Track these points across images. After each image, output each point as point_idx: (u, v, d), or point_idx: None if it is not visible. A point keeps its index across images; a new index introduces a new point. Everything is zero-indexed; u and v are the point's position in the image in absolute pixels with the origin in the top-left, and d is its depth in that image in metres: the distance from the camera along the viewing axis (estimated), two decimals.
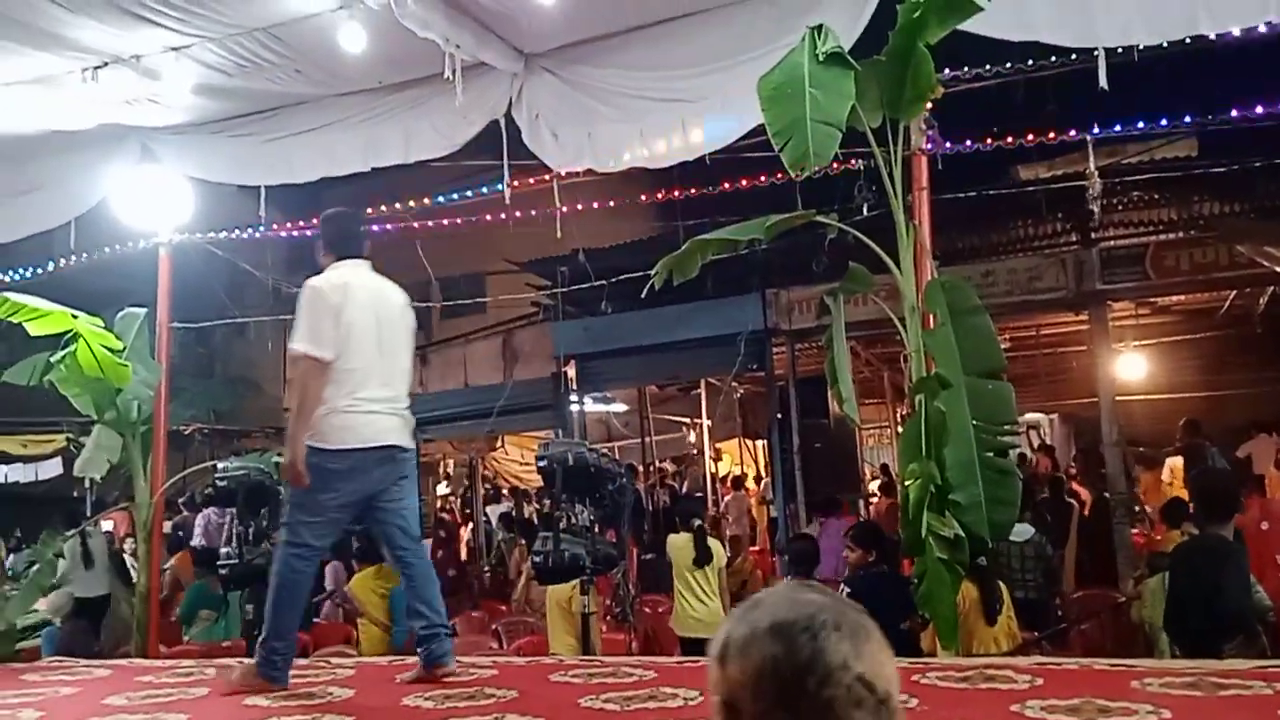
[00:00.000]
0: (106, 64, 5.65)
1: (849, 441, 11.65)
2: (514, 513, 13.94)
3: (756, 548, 12.88)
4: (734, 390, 14.31)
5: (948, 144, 5.47)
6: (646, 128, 5.87)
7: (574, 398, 11.82)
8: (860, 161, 5.67)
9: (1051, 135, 5.88)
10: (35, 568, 6.49)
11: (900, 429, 15.04)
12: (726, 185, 6.71)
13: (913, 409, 4.64)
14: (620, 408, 15.28)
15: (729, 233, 5.08)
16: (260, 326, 12.00)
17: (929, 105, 4.94)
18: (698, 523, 6.55)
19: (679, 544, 6.47)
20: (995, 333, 4.51)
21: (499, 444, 14.95)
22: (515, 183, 6.36)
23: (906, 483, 4.45)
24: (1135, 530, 9.78)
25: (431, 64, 5.68)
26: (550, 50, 6.01)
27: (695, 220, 8.57)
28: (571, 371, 11.62)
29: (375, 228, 7.35)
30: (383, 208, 7.27)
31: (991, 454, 4.21)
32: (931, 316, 4.64)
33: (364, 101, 6.43)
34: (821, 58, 4.30)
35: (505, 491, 15.07)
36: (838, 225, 5.07)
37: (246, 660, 4.36)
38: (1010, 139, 5.86)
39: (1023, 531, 6.37)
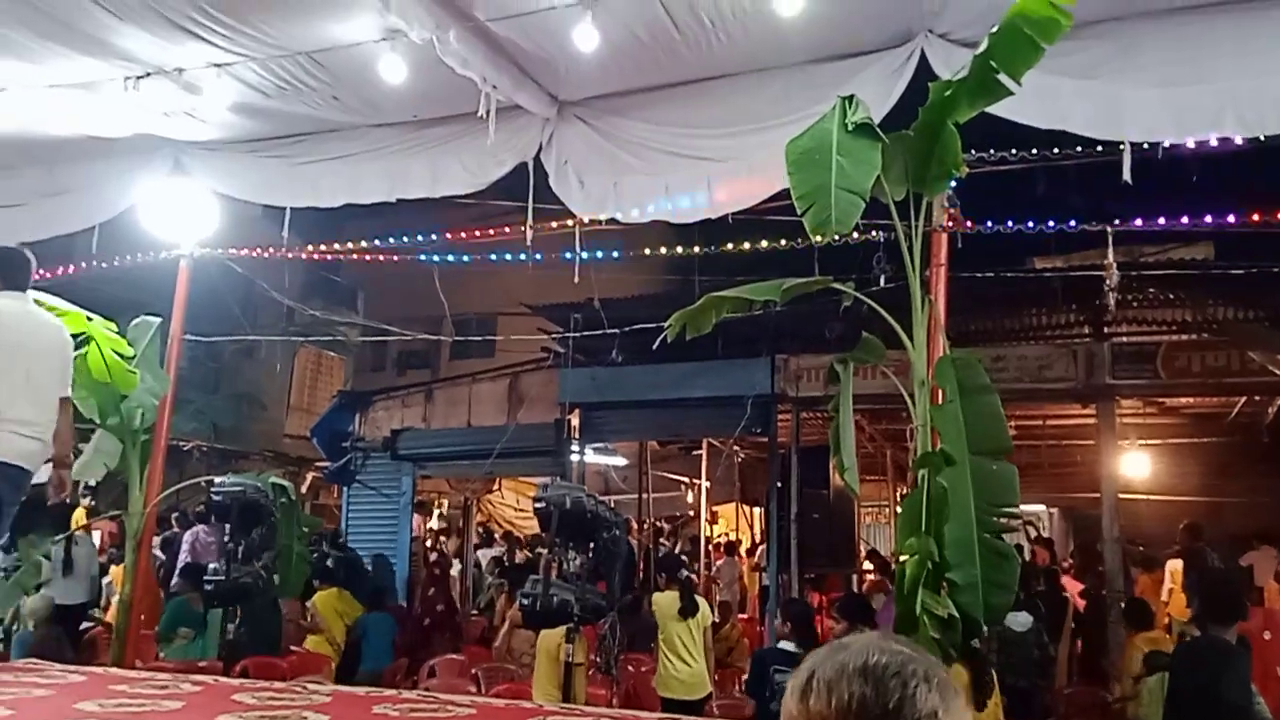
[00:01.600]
0: (149, 74, 5.76)
1: (847, 514, 11.55)
2: (505, 558, 13.83)
3: (745, 615, 12.73)
4: (735, 454, 14.25)
5: (968, 223, 5.50)
6: (672, 182, 5.93)
7: (575, 446, 11.77)
8: (880, 233, 5.72)
9: (1073, 224, 5.92)
10: (20, 569, 6.44)
11: (899, 508, 14.95)
12: (745, 245, 6.75)
13: (915, 483, 4.61)
14: (620, 461, 15.22)
15: (744, 292, 5.10)
16: (271, 347, 12.06)
17: (953, 183, 4.99)
18: (685, 574, 6.48)
19: (665, 600, 6.40)
20: (1003, 413, 4.49)
21: (495, 487, 14.87)
22: (539, 226, 6.40)
23: (903, 558, 4.41)
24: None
25: (465, 102, 5.77)
26: (584, 99, 6.11)
27: (711, 277, 8.61)
28: (575, 420, 11.59)
29: (394, 258, 7.41)
30: (404, 239, 7.35)
31: (991, 535, 4.16)
32: (941, 392, 4.63)
33: (395, 134, 6.53)
34: (850, 127, 4.36)
35: (498, 536, 14.95)
36: (854, 294, 5.09)
37: (221, 679, 4.30)
38: (1032, 224, 5.90)
39: (1023, 621, 6.28)
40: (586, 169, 6.12)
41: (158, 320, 6.98)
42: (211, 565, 6.14)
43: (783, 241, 6.40)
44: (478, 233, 7.09)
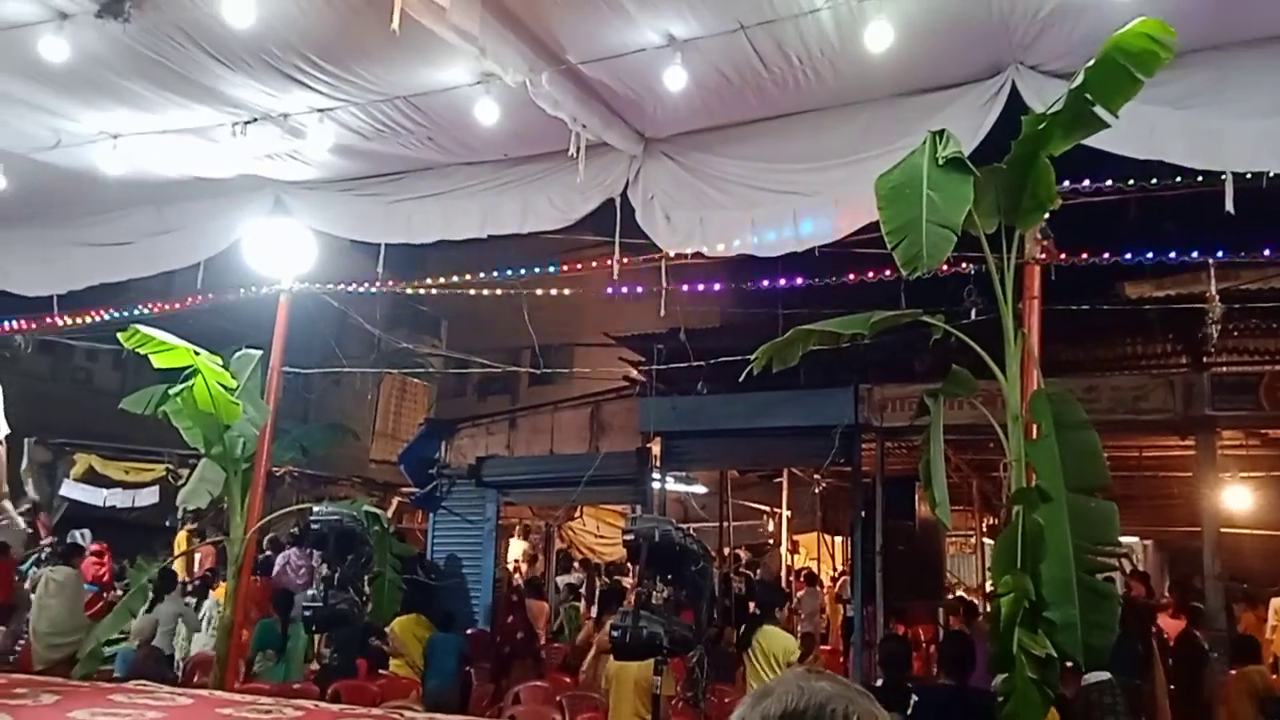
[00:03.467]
0: (256, 119, 6.03)
1: (934, 546, 11.36)
2: (584, 586, 13.89)
3: (828, 646, 12.57)
4: (816, 483, 14.13)
5: (1062, 255, 5.42)
6: (758, 217, 5.98)
7: (656, 475, 11.81)
8: (969, 265, 5.66)
9: (1173, 255, 5.79)
10: (130, 592, 6.71)
11: (987, 539, 14.65)
12: (832, 278, 6.75)
13: (1009, 520, 4.54)
14: (700, 489, 15.21)
15: (832, 325, 5.10)
16: (359, 375, 12.38)
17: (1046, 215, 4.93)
18: (755, 611, 6.42)
19: (770, 634, 6.33)
20: (1101, 449, 4.40)
21: (577, 513, 14.99)
22: (625, 260, 6.49)
23: (999, 595, 4.34)
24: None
25: (555, 141, 5.91)
26: (671, 135, 6.20)
27: (795, 309, 8.61)
28: (656, 448, 11.64)
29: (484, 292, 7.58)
30: (494, 273, 7.51)
31: (1089, 574, 4.09)
32: (1035, 427, 4.57)
33: (487, 172, 6.71)
34: (941, 161, 4.35)
35: (576, 563, 15.03)
36: (944, 327, 5.05)
37: (321, 704, 4.43)
38: (1130, 256, 5.78)
39: (1096, 675, 6.09)
40: (673, 204, 6.21)
41: (258, 353, 7.25)
42: (309, 592, 6.32)
43: (870, 274, 6.38)
44: (565, 268, 7.21)
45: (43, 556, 11.32)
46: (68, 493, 13.89)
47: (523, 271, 7.24)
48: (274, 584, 9.56)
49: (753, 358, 5.21)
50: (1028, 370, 4.84)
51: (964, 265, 5.70)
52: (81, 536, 12.53)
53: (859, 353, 9.92)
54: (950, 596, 12.70)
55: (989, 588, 12.82)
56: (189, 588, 10.58)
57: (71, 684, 5.68)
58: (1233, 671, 7.59)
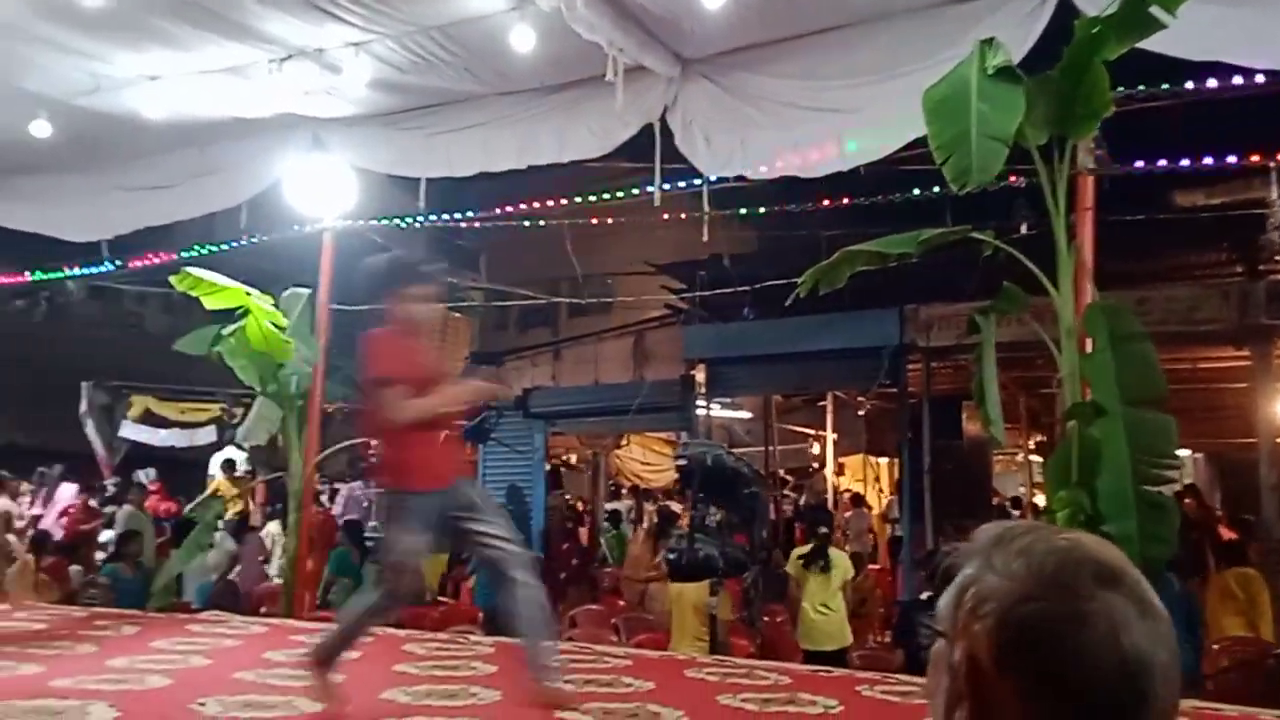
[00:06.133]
0: (291, 56, 6.00)
1: (981, 464, 11.35)
2: (633, 511, 14.09)
3: (876, 566, 12.68)
4: (861, 405, 14.12)
5: (1116, 164, 5.29)
6: (800, 137, 5.87)
7: (701, 402, 11.86)
8: (1020, 178, 5.54)
9: (1233, 159, 5.61)
10: (198, 527, 6.92)
11: (1035, 457, 14.59)
12: (879, 197, 6.63)
13: (1063, 435, 4.52)
14: (744, 415, 15.26)
15: (879, 245, 5.04)
16: None
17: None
18: (823, 530, 6.50)
19: (833, 554, 6.42)
20: (1157, 361, 4.34)
21: (625, 441, 15.14)
22: (666, 186, 6.43)
23: (1054, 510, 4.35)
24: None
25: (591, 67, 5.82)
26: (709, 56, 6.07)
27: (838, 231, 8.51)
28: (700, 375, 11.67)
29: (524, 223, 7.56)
30: (534, 204, 7.49)
31: (1147, 487, 4.07)
32: (1090, 341, 4.51)
33: (523, 101, 6.63)
34: (991, 71, 4.24)
35: (625, 490, 15.23)
36: (994, 243, 4.96)
37: (387, 629, 4.55)
38: (1187, 162, 5.61)
39: None
40: (712, 127, 6.10)
41: (307, 291, 7.33)
42: (372, 523, 6.49)
43: (916, 191, 6.26)
44: (606, 195, 7.16)
45: (109, 495, 11.73)
46: (127, 434, 14.28)
47: (563, 201, 7.20)
48: (343, 514, 9.81)
49: (799, 281, 5.18)
50: (1081, 284, 4.76)
51: (1013, 179, 5.58)
52: (145, 475, 12.94)
53: (903, 273, 9.78)
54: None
55: (1040, 502, 12.84)
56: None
57: (149, 615, 5.92)
58: None
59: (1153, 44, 4.26)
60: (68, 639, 4.76)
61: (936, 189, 5.85)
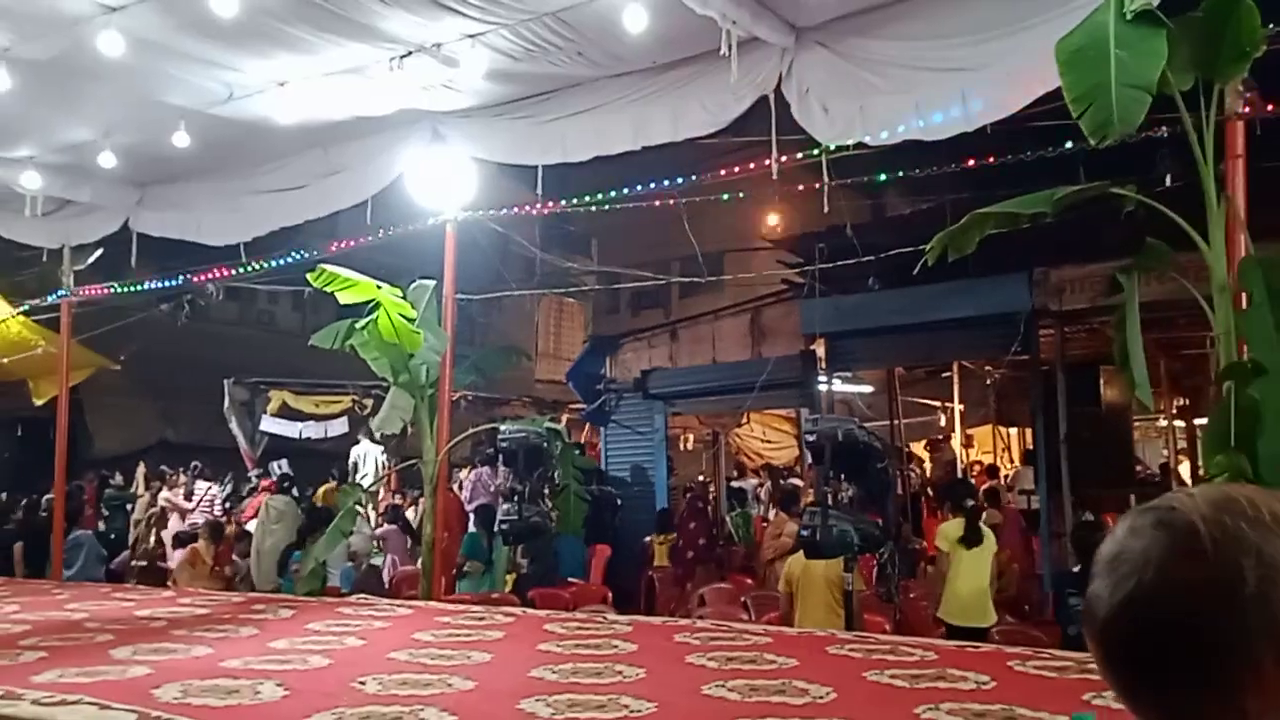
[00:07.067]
0: (411, 53, 6.14)
1: (1121, 432, 10.85)
2: (756, 489, 14.03)
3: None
4: (989, 374, 13.69)
5: (1269, 106, 4.97)
6: (922, 99, 5.69)
7: (822, 377, 11.68)
8: (1161, 127, 5.25)
9: None
10: (341, 515, 7.20)
11: (1178, 422, 13.88)
12: (1008, 156, 6.38)
13: (1219, 397, 4.29)
14: (866, 389, 14.97)
15: (1012, 205, 4.87)
16: (523, 299, 12.71)
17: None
18: (970, 503, 6.35)
19: (950, 528, 6.30)
20: None
21: (745, 420, 15.06)
22: (784, 158, 6.33)
23: (1211, 476, 4.14)
24: None
25: (702, 42, 5.78)
26: (822, 23, 5.95)
27: (959, 195, 8.23)
28: (820, 350, 11.49)
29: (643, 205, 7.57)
30: (638, 187, 7.47)
31: None
32: (1245, 296, 4.27)
33: (635, 82, 6.63)
34: (1129, 16, 4.04)
35: (759, 468, 15.15)
36: (1137, 198, 4.73)
37: (528, 611, 4.65)
38: None
39: None
40: (829, 95, 5.98)
41: (433, 283, 7.52)
42: (504, 507, 6.62)
43: (1050, 149, 6.00)
44: (723, 172, 7.09)
45: (254, 487, 12.33)
46: (266, 427, 14.97)
47: (679, 180, 7.17)
48: (470, 499, 10.08)
49: (926, 248, 5.04)
50: (1233, 236, 4.51)
51: (1154, 129, 5.29)
52: (279, 466, 13.55)
53: (1030, 235, 9.39)
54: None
55: (1184, 472, 12.23)
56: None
57: (301, 599, 6.20)
58: None
59: None
60: (230, 623, 5.03)
61: (1069, 144, 5.58)
